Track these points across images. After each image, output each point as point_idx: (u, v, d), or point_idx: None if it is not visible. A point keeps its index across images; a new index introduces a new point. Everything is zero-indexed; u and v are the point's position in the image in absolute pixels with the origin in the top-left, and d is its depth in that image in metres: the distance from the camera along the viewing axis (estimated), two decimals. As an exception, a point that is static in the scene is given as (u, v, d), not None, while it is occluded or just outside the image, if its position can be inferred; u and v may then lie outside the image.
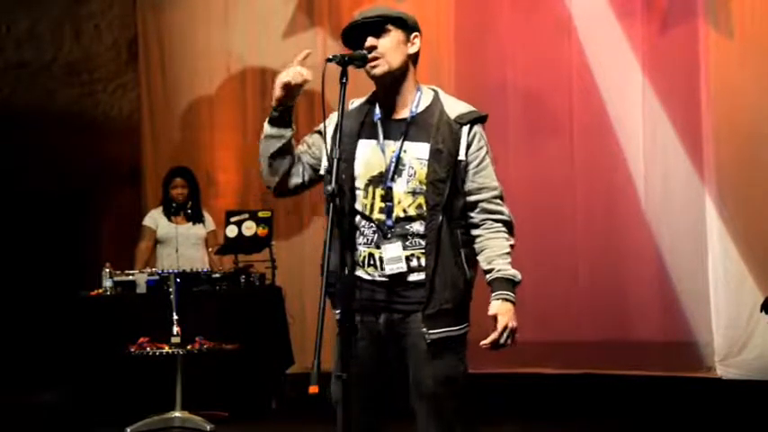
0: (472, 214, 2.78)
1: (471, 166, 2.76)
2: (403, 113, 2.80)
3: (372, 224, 2.76)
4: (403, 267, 2.72)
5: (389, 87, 2.80)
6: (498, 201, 2.79)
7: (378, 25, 2.76)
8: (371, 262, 2.75)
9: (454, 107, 2.80)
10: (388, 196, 2.75)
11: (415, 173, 2.74)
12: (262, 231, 6.48)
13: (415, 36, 2.81)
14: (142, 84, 8.32)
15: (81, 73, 8.26)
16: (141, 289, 5.95)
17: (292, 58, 2.73)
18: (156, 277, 5.95)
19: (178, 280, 5.79)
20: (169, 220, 6.57)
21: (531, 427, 5.66)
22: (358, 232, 2.78)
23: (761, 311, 5.74)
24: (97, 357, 5.74)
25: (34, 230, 7.65)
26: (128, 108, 8.40)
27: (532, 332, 7.04)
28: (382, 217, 2.75)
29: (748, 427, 5.47)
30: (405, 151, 2.75)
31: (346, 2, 7.85)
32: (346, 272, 2.73)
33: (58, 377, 5.95)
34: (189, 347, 5.54)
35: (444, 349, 2.71)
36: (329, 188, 2.64)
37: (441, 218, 2.71)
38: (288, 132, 2.78)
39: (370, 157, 2.78)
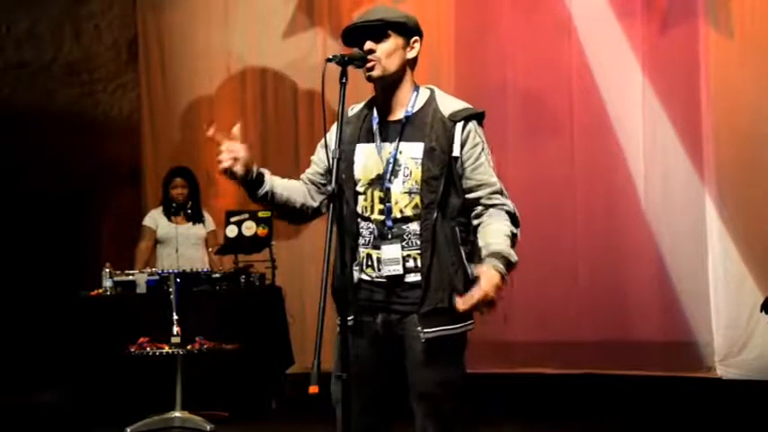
0: (473, 212, 2.76)
1: (468, 164, 2.75)
2: (399, 114, 2.80)
3: (371, 225, 2.77)
4: (399, 270, 2.71)
5: (386, 89, 2.80)
6: (498, 196, 2.76)
7: (378, 29, 2.75)
8: (370, 263, 2.76)
9: (449, 105, 2.78)
10: (386, 197, 2.75)
11: (410, 173, 2.74)
12: (262, 231, 6.48)
13: (415, 41, 2.81)
14: (142, 84, 8.32)
15: (81, 73, 8.26)
16: (141, 289, 5.95)
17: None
18: (156, 277, 5.95)
19: (178, 280, 5.79)
20: (169, 220, 6.56)
21: (531, 427, 5.66)
22: (358, 233, 2.78)
23: (761, 311, 5.74)
24: (97, 357, 5.74)
25: (34, 230, 7.65)
26: (128, 108, 8.40)
27: (532, 332, 7.10)
28: (381, 218, 2.76)
29: (748, 427, 5.47)
30: (400, 152, 2.75)
31: (346, 2, 7.85)
32: (346, 272, 2.73)
33: (58, 377, 5.94)
34: (189, 347, 5.54)
35: (441, 349, 2.69)
36: (329, 188, 2.63)
37: (435, 215, 2.70)
38: (266, 187, 2.76)
39: (368, 160, 2.79)
